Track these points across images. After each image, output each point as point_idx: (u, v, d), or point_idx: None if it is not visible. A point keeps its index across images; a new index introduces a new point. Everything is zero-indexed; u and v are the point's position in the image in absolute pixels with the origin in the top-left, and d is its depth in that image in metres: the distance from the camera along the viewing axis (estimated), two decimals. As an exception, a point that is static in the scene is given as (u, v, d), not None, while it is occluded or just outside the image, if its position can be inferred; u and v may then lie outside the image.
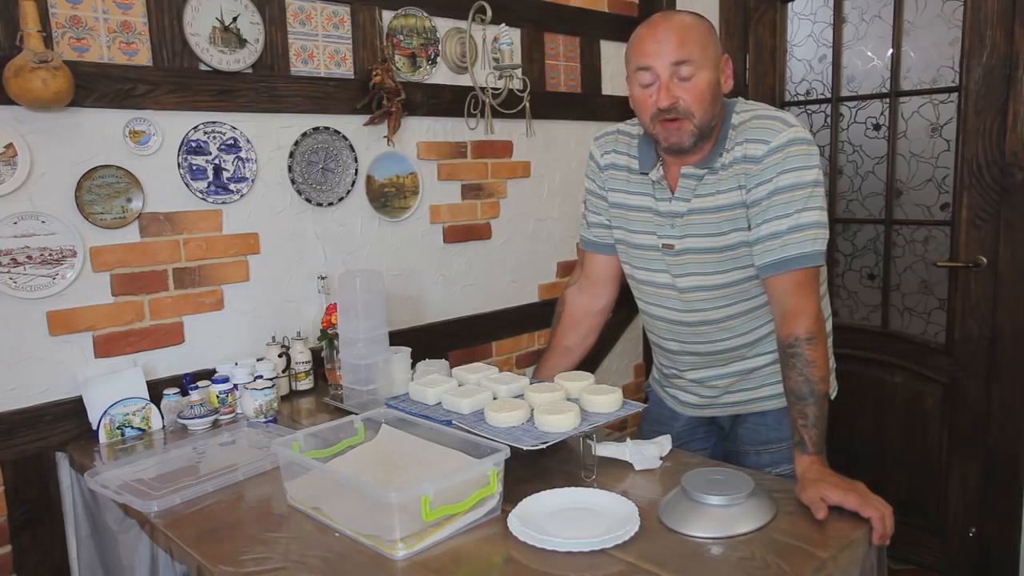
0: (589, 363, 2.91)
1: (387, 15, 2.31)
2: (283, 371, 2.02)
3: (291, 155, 2.12)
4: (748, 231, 1.48)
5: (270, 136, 2.09)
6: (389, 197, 2.37)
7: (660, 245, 1.58)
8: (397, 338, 1.99)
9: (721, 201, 1.49)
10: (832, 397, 1.71)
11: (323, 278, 2.17)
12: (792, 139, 1.42)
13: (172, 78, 1.89)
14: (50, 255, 1.75)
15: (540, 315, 2.78)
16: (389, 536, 1.16)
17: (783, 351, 1.42)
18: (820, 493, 1.24)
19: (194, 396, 1.81)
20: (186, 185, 1.94)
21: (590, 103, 2.92)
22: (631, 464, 1.44)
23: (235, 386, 1.86)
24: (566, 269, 2.90)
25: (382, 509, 1.16)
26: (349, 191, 2.25)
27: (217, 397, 1.82)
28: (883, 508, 1.23)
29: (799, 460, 1.34)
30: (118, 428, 1.76)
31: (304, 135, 2.14)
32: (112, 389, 1.77)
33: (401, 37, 2.35)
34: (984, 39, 2.31)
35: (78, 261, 1.79)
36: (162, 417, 1.82)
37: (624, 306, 1.83)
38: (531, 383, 1.61)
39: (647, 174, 1.58)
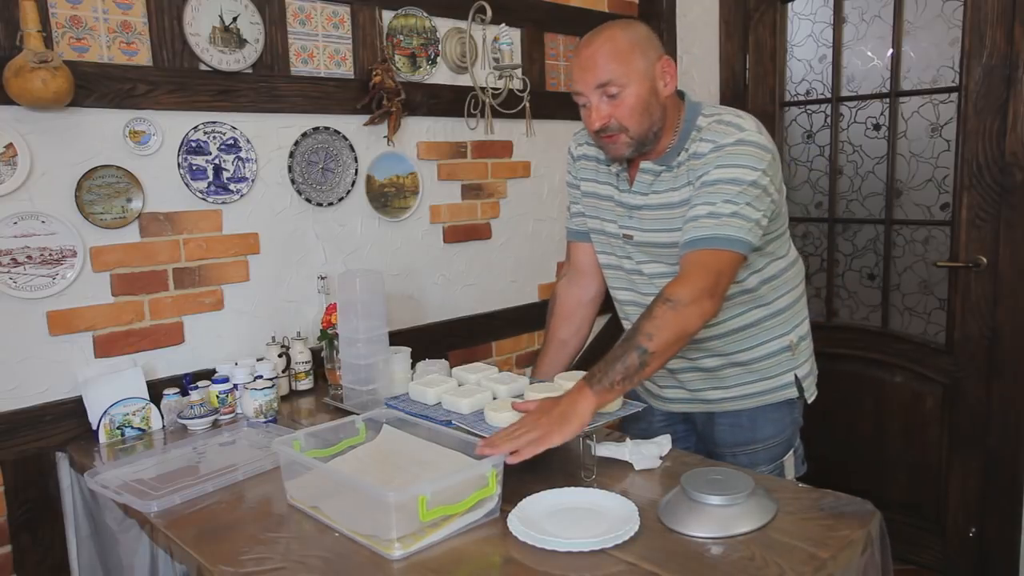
0: (588, 364, 2.91)
1: (387, 15, 2.31)
2: (283, 371, 2.02)
3: (291, 155, 2.12)
4: None
5: (270, 136, 2.09)
6: (389, 197, 2.37)
7: (621, 235, 1.64)
8: (397, 338, 1.99)
9: (675, 198, 1.54)
10: (810, 401, 1.72)
11: (323, 278, 2.17)
12: (740, 140, 1.46)
13: (172, 78, 1.89)
14: (50, 255, 1.75)
15: (540, 315, 2.76)
16: (386, 536, 1.16)
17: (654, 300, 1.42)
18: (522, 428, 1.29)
19: (194, 396, 1.81)
20: (186, 185, 1.94)
21: (590, 103, 2.92)
22: (631, 464, 1.44)
23: (235, 386, 1.86)
24: (566, 269, 2.90)
25: (379, 509, 1.16)
26: (349, 191, 2.25)
27: (217, 397, 1.82)
28: (511, 441, 1.26)
29: (578, 385, 1.36)
30: (118, 428, 1.76)
31: (304, 135, 2.14)
32: (112, 389, 1.77)
33: (401, 37, 2.35)
34: (984, 39, 2.32)
35: (78, 261, 1.79)
36: (162, 417, 1.81)
37: (624, 306, 1.84)
38: (531, 382, 1.61)
39: (610, 167, 1.65)
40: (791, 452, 1.72)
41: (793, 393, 1.67)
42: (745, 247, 1.42)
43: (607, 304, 1.86)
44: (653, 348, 1.35)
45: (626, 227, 1.63)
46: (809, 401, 1.72)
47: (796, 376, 1.67)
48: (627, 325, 1.76)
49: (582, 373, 1.60)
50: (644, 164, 1.57)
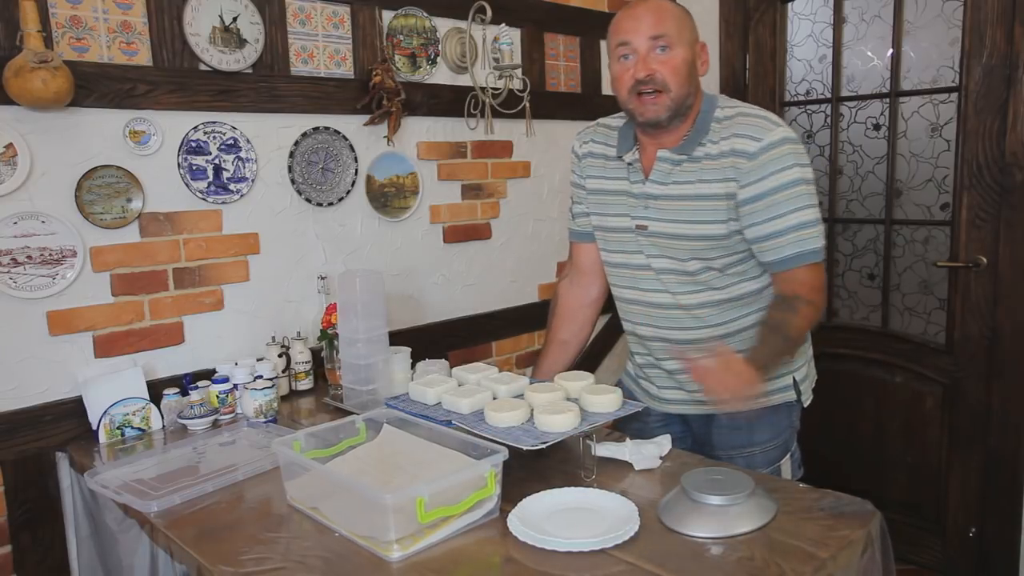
0: (589, 363, 2.91)
1: (387, 15, 2.31)
2: (283, 371, 2.02)
3: (291, 155, 2.12)
4: (725, 223, 1.52)
5: (270, 136, 2.09)
6: (389, 197, 2.37)
7: (634, 226, 1.62)
8: (397, 338, 1.99)
9: (703, 190, 1.53)
10: (805, 405, 1.72)
11: (323, 278, 2.17)
12: (784, 138, 1.48)
13: (172, 78, 1.89)
14: (50, 255, 1.75)
15: (540, 315, 2.76)
16: (384, 537, 1.16)
17: (780, 299, 1.50)
18: (705, 363, 1.34)
19: (194, 396, 1.81)
20: (186, 185, 1.94)
21: (590, 103, 2.92)
22: (631, 464, 1.44)
23: (235, 386, 1.86)
24: (566, 269, 2.90)
25: (377, 510, 1.16)
26: (349, 191, 2.25)
27: (217, 397, 1.82)
28: (722, 385, 1.31)
29: (748, 363, 1.39)
30: (118, 428, 1.76)
31: (304, 135, 2.14)
32: (112, 389, 1.77)
33: (401, 37, 2.35)
34: (984, 39, 2.32)
35: (78, 261, 1.79)
36: (162, 417, 1.82)
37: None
38: (531, 382, 1.61)
39: (622, 158, 1.63)
40: (788, 456, 1.71)
41: (791, 396, 1.67)
42: (824, 250, 1.51)
43: (607, 304, 1.86)
44: (796, 343, 1.49)
45: (640, 218, 1.61)
46: (805, 405, 1.72)
47: (794, 379, 1.67)
48: (628, 326, 1.75)
49: (582, 373, 1.61)
50: (661, 153, 1.56)
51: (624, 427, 1.75)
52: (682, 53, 1.49)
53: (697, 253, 1.56)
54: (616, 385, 1.92)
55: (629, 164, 1.62)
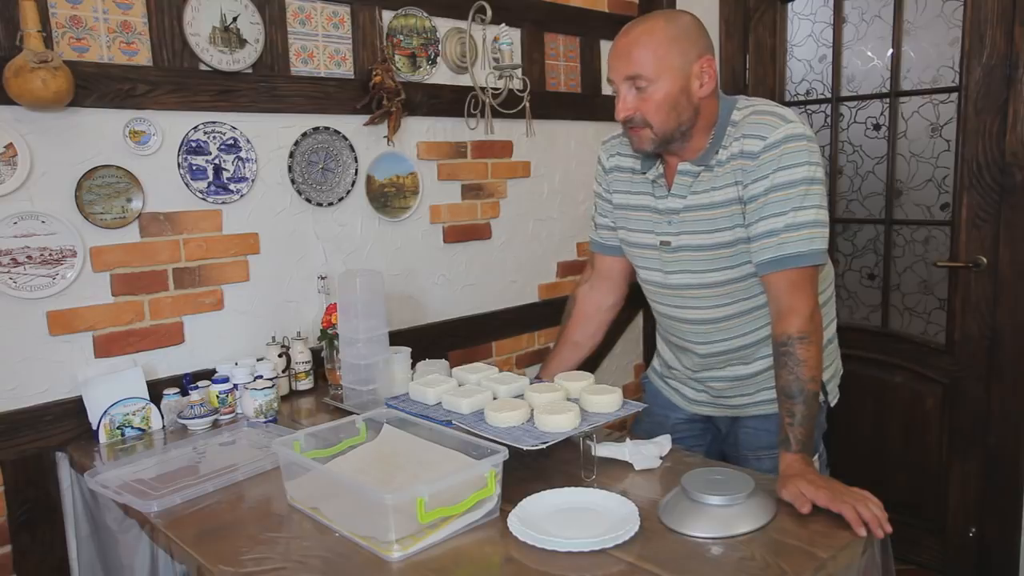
0: (589, 364, 2.90)
1: (387, 15, 2.31)
2: (283, 371, 2.02)
3: (291, 155, 2.12)
4: (744, 228, 1.48)
5: (270, 136, 2.09)
6: (389, 197, 2.37)
7: (658, 243, 1.60)
8: (397, 338, 1.99)
9: (717, 197, 1.49)
10: (832, 404, 1.71)
11: (323, 278, 2.17)
12: (789, 135, 1.42)
13: (172, 78, 1.89)
14: (50, 255, 1.75)
15: (540, 315, 2.78)
16: (384, 537, 1.16)
17: (776, 349, 1.43)
18: (798, 489, 1.24)
19: (194, 396, 1.81)
20: (186, 185, 1.94)
21: (590, 103, 2.92)
22: (631, 464, 1.44)
23: (235, 386, 1.86)
24: (566, 269, 2.90)
25: (377, 510, 1.16)
26: (349, 191, 2.25)
27: (217, 397, 1.82)
28: (858, 501, 1.20)
29: (783, 458, 1.35)
30: (118, 428, 1.76)
31: (304, 135, 2.14)
32: (112, 389, 1.77)
33: (401, 37, 2.35)
34: (984, 39, 2.31)
35: (78, 261, 1.79)
36: (162, 417, 1.82)
37: (625, 306, 1.85)
38: (531, 383, 1.61)
39: (646, 174, 1.60)
40: (816, 457, 1.69)
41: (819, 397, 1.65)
42: (824, 256, 1.44)
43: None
44: (816, 386, 1.40)
45: (663, 234, 1.58)
46: (832, 404, 1.70)
47: (820, 380, 1.64)
48: (662, 332, 1.75)
49: (583, 373, 1.61)
50: (682, 166, 1.52)
51: (642, 423, 1.75)
52: (664, 88, 1.43)
53: (717, 264, 1.53)
54: (641, 380, 1.94)
55: (653, 180, 1.59)
